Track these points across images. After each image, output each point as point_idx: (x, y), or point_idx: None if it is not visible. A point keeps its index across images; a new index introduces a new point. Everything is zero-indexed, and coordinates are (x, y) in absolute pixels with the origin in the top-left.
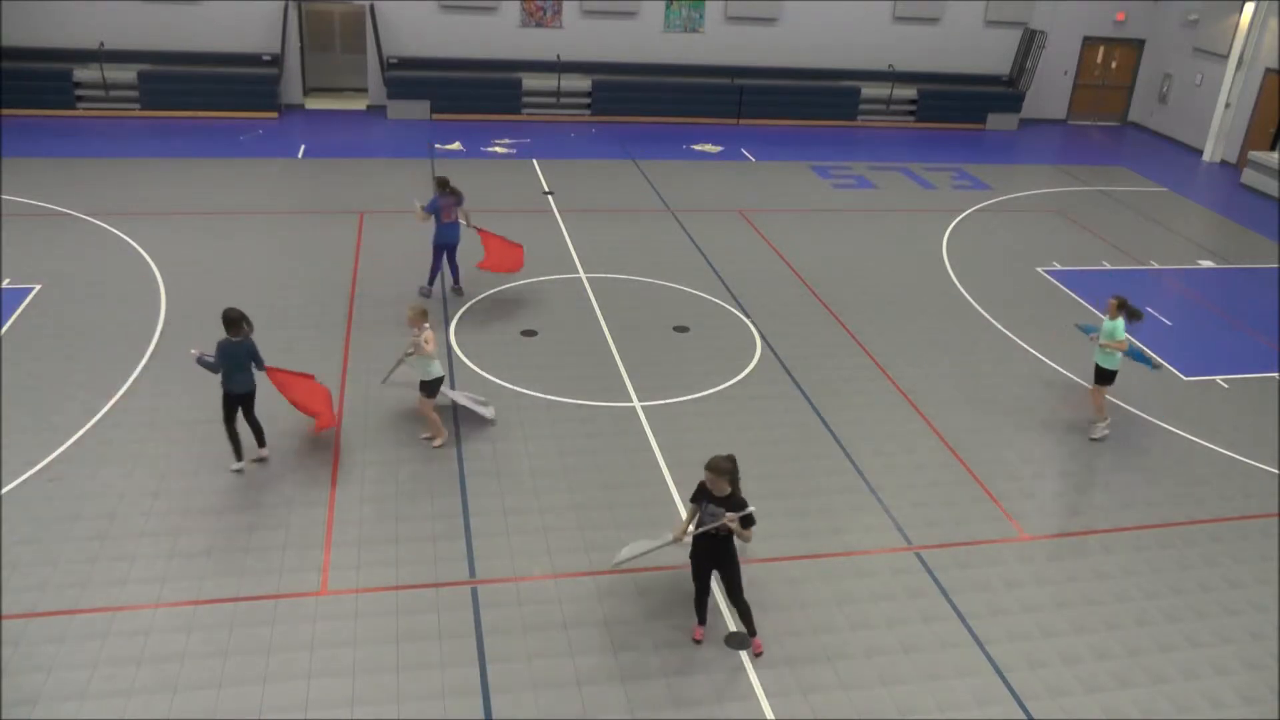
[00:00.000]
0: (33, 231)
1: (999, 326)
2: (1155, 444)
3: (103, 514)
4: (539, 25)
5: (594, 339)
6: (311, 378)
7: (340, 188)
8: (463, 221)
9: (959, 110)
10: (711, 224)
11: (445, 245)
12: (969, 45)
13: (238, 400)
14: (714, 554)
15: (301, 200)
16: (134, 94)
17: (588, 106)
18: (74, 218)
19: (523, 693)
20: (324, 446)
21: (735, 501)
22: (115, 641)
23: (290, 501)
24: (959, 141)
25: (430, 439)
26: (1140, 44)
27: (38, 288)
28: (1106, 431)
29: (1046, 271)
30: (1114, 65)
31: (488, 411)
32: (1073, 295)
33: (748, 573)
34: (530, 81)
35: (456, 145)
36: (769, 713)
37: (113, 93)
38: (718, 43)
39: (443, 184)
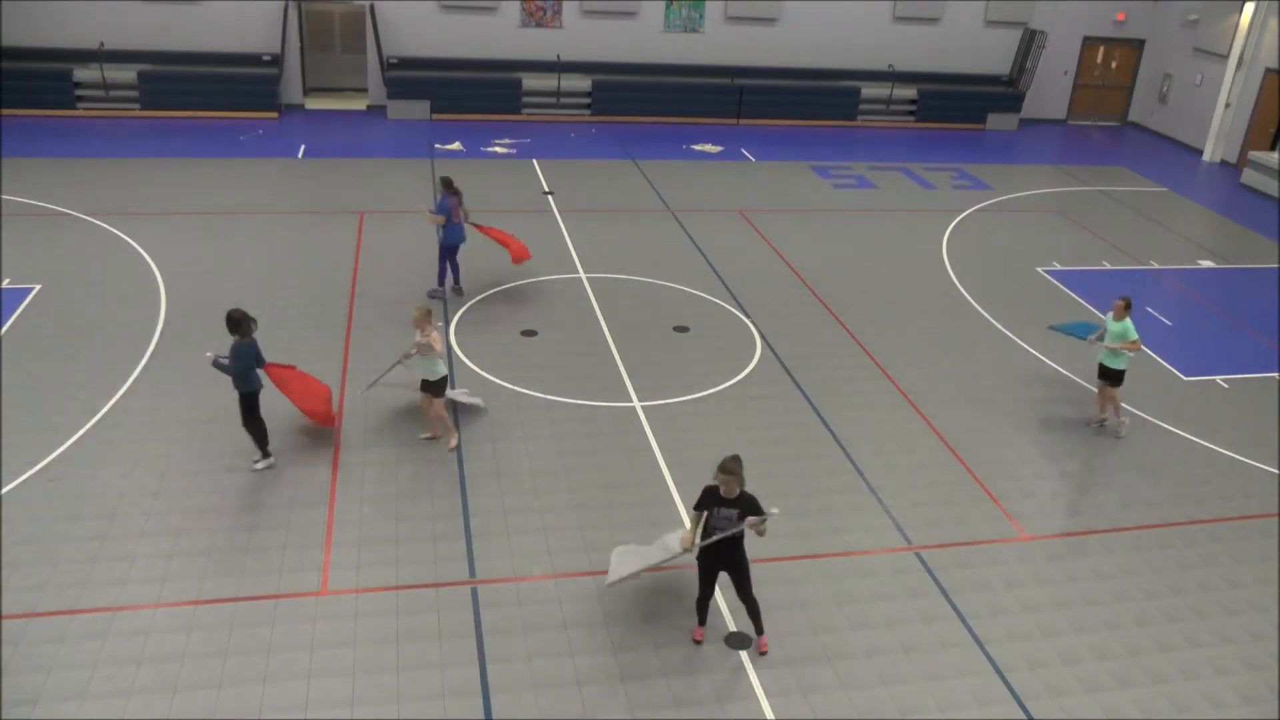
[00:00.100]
0: (33, 231)
1: (999, 326)
2: (1155, 444)
3: (103, 514)
4: (539, 25)
5: (594, 339)
6: (309, 376)
7: (340, 188)
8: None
9: (959, 110)
10: (711, 224)
11: (453, 245)
12: (969, 45)
13: (254, 398)
14: (726, 556)
15: (301, 200)
16: (134, 94)
17: (588, 106)
18: (74, 218)
19: (523, 693)
20: (324, 446)
21: (746, 501)
22: (115, 641)
23: (290, 501)
24: (959, 141)
25: (433, 438)
26: (1140, 44)
27: (38, 288)
28: (1123, 429)
29: (1046, 271)
30: (1114, 65)
31: (477, 400)
32: (1073, 295)
33: None
34: (530, 81)
35: (456, 145)
36: (769, 713)
37: (113, 93)
38: (718, 43)
39: (448, 183)
